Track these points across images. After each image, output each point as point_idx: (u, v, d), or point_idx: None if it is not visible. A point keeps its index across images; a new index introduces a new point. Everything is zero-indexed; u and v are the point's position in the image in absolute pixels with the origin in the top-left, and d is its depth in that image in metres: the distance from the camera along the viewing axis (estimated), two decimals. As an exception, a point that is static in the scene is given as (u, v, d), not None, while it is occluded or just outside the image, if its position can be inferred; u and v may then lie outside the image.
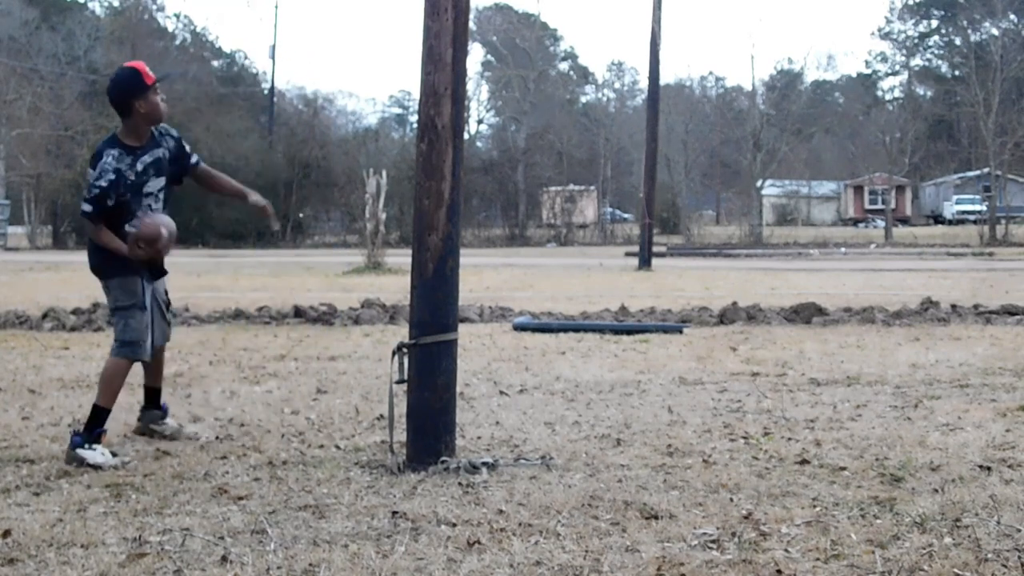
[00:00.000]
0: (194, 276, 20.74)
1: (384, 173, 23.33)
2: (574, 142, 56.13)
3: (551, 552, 3.52)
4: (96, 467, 4.79)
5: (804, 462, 4.76)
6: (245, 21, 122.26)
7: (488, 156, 53.53)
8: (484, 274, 20.44)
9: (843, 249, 36.14)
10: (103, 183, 5.07)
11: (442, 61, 4.77)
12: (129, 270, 5.17)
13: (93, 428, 5.00)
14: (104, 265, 5.20)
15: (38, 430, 5.62)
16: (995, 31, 52.20)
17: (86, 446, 4.91)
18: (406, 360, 4.81)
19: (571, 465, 4.74)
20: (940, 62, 71.99)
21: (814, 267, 24.90)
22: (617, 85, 73.00)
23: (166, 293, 5.52)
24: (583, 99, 71.56)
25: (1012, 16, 54.27)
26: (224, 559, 3.47)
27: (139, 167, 5.17)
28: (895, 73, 74.90)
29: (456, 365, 4.90)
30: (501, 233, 46.56)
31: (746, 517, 3.90)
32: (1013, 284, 17.18)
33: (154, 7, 56.42)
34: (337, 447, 5.18)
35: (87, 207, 5.12)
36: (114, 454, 4.97)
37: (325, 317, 11.37)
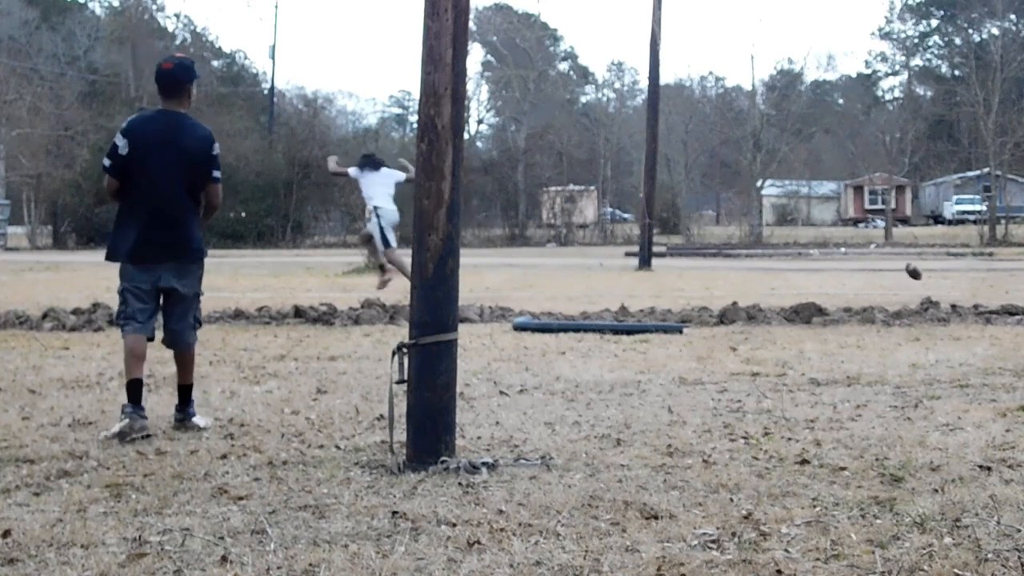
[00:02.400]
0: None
1: (384, 173, 23.29)
2: (574, 142, 56.10)
3: (551, 552, 3.52)
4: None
5: (804, 462, 4.76)
6: (245, 21, 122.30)
7: (488, 156, 53.55)
8: (484, 274, 20.44)
9: (843, 249, 36.15)
10: None
11: (442, 61, 4.77)
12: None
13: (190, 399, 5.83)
14: (202, 248, 5.80)
15: (38, 430, 5.62)
16: (995, 31, 52.23)
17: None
18: (406, 360, 4.81)
19: (571, 465, 4.74)
20: (940, 62, 72.01)
21: (814, 267, 24.91)
22: (617, 85, 72.94)
23: None
24: (583, 99, 71.56)
25: (1012, 16, 54.27)
26: (224, 559, 3.47)
27: None
28: (895, 73, 74.98)
29: (456, 365, 4.90)
30: (501, 233, 46.57)
31: (746, 517, 3.89)
32: (1013, 284, 17.18)
33: (154, 7, 56.40)
34: (337, 447, 5.18)
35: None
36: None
37: (325, 317, 11.37)
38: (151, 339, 5.73)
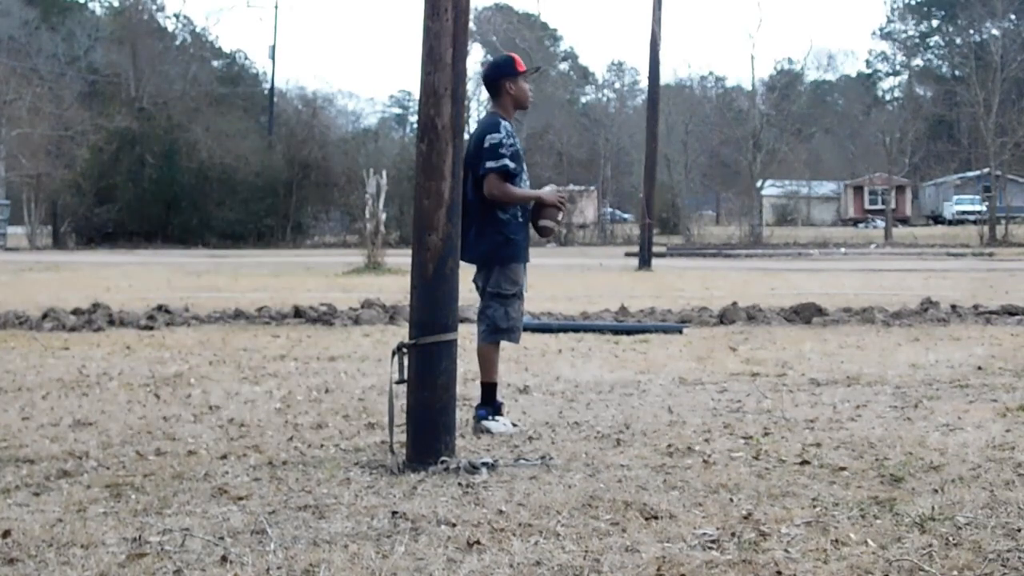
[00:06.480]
0: (194, 276, 20.75)
1: (384, 173, 23.33)
2: (574, 142, 56.08)
3: (551, 552, 3.52)
4: (501, 435, 5.38)
5: (804, 462, 4.76)
6: (245, 21, 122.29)
7: (488, 156, 53.32)
8: (484, 274, 20.39)
9: (843, 249, 36.15)
10: (513, 142, 5.60)
11: (442, 61, 4.78)
12: (515, 258, 5.65)
13: (491, 402, 5.59)
14: (494, 252, 5.61)
15: (38, 430, 5.62)
16: (995, 31, 52.23)
17: (490, 418, 5.52)
18: (406, 360, 4.82)
19: (571, 465, 4.74)
20: (940, 62, 72.01)
21: (814, 267, 24.91)
22: (617, 85, 72.85)
23: None
24: (583, 99, 71.48)
25: (1012, 16, 54.26)
26: (224, 559, 3.47)
27: (519, 141, 5.72)
28: (895, 73, 74.99)
29: (456, 365, 4.90)
30: (501, 233, 46.44)
31: (746, 517, 3.89)
32: (1013, 284, 17.18)
33: (154, 7, 56.24)
34: (337, 447, 5.18)
35: (503, 163, 5.52)
36: (514, 424, 5.56)
37: (325, 317, 11.37)
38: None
